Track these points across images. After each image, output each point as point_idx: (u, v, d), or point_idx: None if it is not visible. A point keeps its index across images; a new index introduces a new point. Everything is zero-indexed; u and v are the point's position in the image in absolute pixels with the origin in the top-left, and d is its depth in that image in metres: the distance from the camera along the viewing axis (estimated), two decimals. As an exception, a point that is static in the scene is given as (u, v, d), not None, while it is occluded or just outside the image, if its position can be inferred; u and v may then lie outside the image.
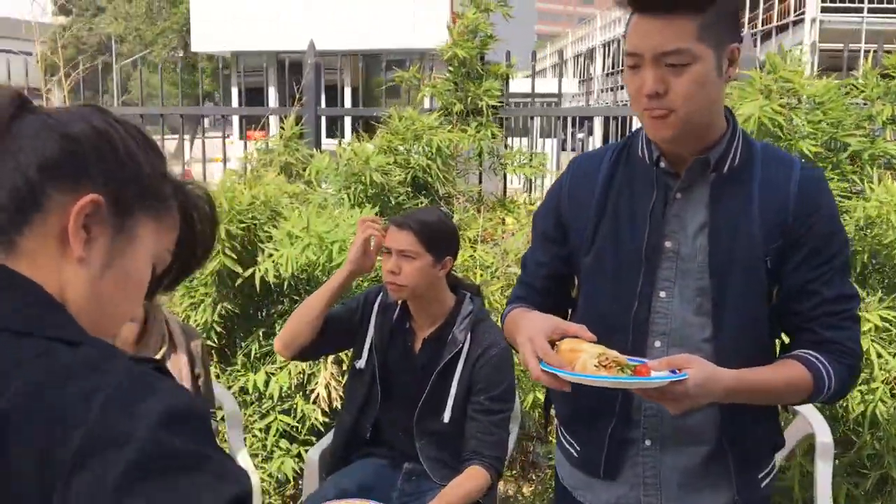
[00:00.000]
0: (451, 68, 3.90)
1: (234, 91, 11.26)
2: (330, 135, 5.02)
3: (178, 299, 3.41)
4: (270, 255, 2.95)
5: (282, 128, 3.96)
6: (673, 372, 1.37)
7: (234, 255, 2.97)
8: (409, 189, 3.59)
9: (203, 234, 1.00)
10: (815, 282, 1.50)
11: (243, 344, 3.40)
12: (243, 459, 2.60)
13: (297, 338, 2.39)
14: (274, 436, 3.33)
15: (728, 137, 1.53)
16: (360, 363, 2.44)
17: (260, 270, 2.96)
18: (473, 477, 2.27)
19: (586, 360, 1.38)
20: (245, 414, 3.37)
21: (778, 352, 1.63)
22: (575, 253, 1.65)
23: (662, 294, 1.55)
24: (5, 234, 0.80)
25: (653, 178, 1.56)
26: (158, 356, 2.29)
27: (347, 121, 4.83)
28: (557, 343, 1.43)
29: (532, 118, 4.18)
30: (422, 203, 3.57)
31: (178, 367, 2.32)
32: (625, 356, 1.40)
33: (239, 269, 2.98)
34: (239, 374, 3.37)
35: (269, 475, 3.32)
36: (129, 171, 0.86)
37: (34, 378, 0.70)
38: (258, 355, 3.36)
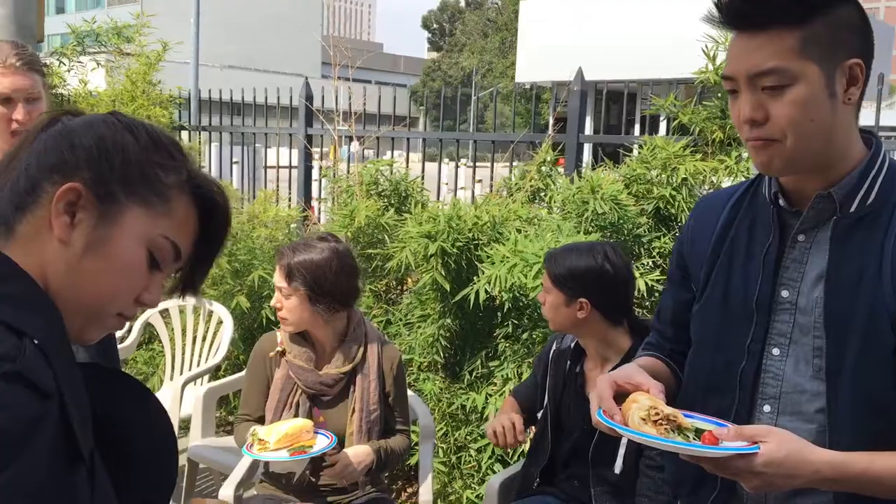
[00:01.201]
0: (719, 94, 3.61)
1: (551, 120, 11.54)
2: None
3: (413, 309, 3.58)
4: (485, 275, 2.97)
5: (532, 153, 3.97)
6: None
7: (442, 272, 3.04)
8: (652, 220, 3.38)
9: (217, 225, 1.05)
10: None
11: (469, 362, 3.45)
12: (425, 475, 2.64)
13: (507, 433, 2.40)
14: (489, 458, 3.33)
15: (861, 170, 1.27)
16: (541, 412, 2.43)
17: (474, 290, 2.99)
18: None
19: (634, 411, 1.24)
20: (463, 433, 3.42)
21: None
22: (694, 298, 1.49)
23: (775, 351, 1.33)
24: (7, 221, 0.93)
25: (771, 218, 1.35)
26: (346, 369, 2.41)
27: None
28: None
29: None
30: (662, 237, 3.34)
31: (366, 384, 2.42)
32: (680, 412, 1.24)
33: (447, 286, 3.04)
34: (462, 391, 3.43)
35: (478, 497, 3.32)
36: (115, 164, 0.94)
37: None
38: (480, 375, 3.39)
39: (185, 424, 3.59)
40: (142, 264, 0.97)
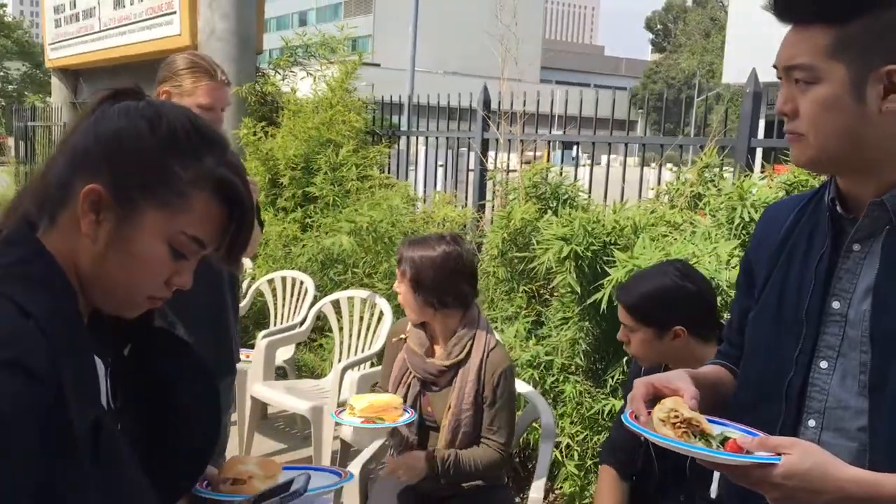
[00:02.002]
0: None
1: (761, 123, 10.92)
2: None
3: (558, 311, 3.60)
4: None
5: (698, 159, 3.84)
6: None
7: (574, 275, 3.04)
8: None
9: (241, 215, 1.07)
10: None
11: (612, 368, 3.42)
12: (540, 475, 2.68)
13: None
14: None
15: None
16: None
17: (601, 294, 2.98)
18: None
19: (655, 413, 1.24)
20: (602, 438, 3.40)
21: None
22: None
23: (823, 365, 1.28)
24: (52, 210, 1.02)
25: (827, 224, 1.30)
26: (448, 363, 2.51)
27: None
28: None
29: None
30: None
31: (464, 384, 2.49)
32: (705, 419, 1.23)
33: (578, 289, 3.05)
34: (604, 396, 3.41)
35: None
36: (131, 164, 1.00)
37: None
38: (621, 381, 3.36)
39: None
40: (163, 258, 1.03)
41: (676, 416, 1.22)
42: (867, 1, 1.15)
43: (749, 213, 2.96)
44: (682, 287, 2.10)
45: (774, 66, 1.27)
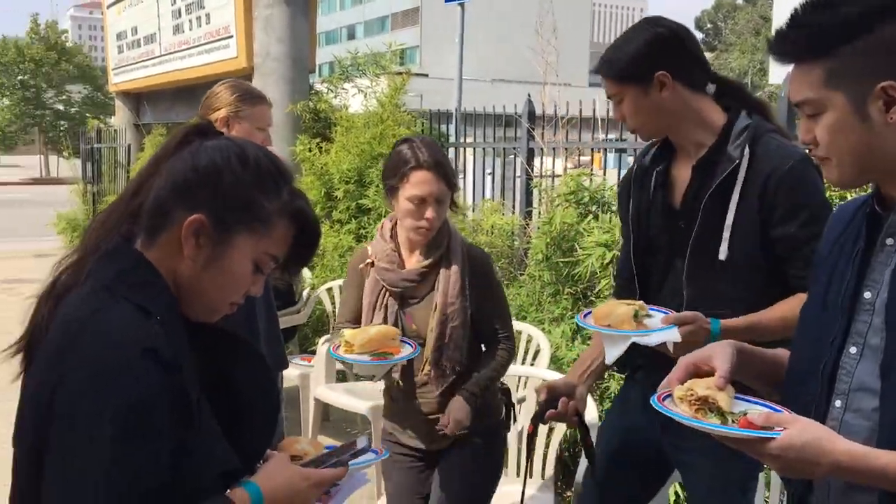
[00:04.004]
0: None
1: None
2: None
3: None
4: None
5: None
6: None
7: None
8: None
9: (309, 238, 1.32)
10: None
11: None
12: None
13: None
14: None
15: None
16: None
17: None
18: None
19: (675, 392, 1.39)
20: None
21: None
22: None
23: (853, 350, 1.37)
24: (153, 233, 1.22)
25: (864, 221, 1.41)
26: (427, 263, 2.45)
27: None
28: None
29: None
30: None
31: (448, 275, 2.45)
32: (724, 395, 1.35)
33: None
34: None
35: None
36: (230, 200, 1.21)
37: (75, 319, 1.12)
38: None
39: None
40: (249, 274, 1.25)
41: (692, 395, 1.36)
42: (843, 33, 1.24)
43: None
44: (654, 34, 2.03)
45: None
